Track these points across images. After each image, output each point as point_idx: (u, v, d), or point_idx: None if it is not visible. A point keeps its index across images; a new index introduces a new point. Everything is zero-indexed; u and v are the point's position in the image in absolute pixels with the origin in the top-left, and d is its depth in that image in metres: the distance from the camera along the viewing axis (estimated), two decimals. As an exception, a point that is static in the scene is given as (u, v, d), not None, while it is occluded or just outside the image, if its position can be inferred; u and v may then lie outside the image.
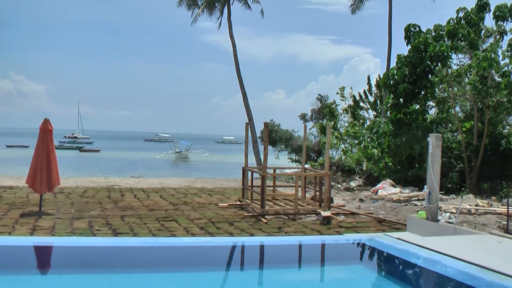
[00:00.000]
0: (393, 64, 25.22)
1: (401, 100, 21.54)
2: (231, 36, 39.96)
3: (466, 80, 20.61)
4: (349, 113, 34.06)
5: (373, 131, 22.81)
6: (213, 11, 41.59)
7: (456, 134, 22.63)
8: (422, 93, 21.40)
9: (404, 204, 17.22)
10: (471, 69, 19.95)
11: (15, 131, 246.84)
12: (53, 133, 15.32)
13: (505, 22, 20.65)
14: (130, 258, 10.10)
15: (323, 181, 16.75)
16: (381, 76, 24.29)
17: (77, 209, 15.41)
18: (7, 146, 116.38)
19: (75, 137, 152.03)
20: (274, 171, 19.33)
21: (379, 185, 20.06)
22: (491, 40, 21.86)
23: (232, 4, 40.56)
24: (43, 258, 10.16)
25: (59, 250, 10.29)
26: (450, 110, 22.54)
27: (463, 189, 20.03)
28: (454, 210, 14.39)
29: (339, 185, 22.96)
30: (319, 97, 43.15)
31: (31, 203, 16.15)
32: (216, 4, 41.17)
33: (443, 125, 22.87)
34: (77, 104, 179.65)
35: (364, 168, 26.04)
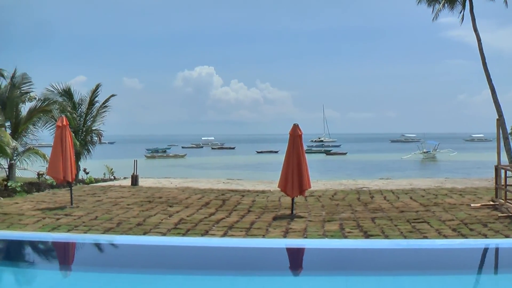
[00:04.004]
0: None
1: None
2: (475, 30, 38.14)
3: None
4: None
5: None
6: (454, 5, 40.10)
7: None
8: None
9: None
10: None
11: (263, 138, 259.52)
12: (302, 138, 15.69)
13: None
14: (382, 260, 9.96)
15: None
16: None
17: (327, 212, 15.64)
18: (258, 152, 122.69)
19: (322, 141, 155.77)
20: (530, 168, 18.06)
21: None
22: None
23: (474, -5, 38.74)
24: (296, 259, 10.37)
25: (312, 252, 10.43)
26: None
27: None
28: None
29: None
30: None
31: (283, 207, 16.71)
32: (457, -3, 39.65)
33: None
34: (322, 109, 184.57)
35: None
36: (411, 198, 18.40)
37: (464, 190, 20.45)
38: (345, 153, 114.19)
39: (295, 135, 15.49)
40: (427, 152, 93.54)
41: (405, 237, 12.04)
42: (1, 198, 19.13)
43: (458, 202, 17.36)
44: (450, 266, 9.17)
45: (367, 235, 12.33)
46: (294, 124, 15.67)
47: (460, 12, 39.98)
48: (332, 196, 19.19)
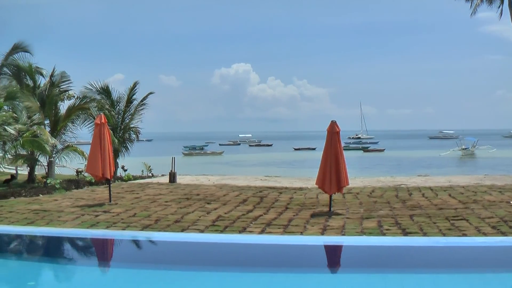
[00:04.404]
0: None
1: None
2: (514, 25, 37.53)
3: None
4: None
5: None
6: (492, 0, 39.55)
7: None
8: None
9: None
10: None
11: (300, 135, 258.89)
12: (340, 135, 15.57)
13: None
14: (421, 257, 9.89)
15: None
16: None
17: (365, 209, 15.52)
18: (295, 149, 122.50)
19: (359, 138, 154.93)
20: None
21: None
22: None
23: (512, -9, 38.11)
24: (335, 256, 10.35)
25: (350, 249, 10.40)
26: None
27: None
28: None
29: None
30: None
31: (320, 204, 16.62)
32: (495, -8, 39.07)
33: None
34: (359, 105, 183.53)
35: None
36: (449, 195, 18.15)
37: (504, 187, 20.10)
38: (382, 150, 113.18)
39: (333, 132, 15.38)
40: (465, 148, 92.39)
41: (444, 235, 11.88)
42: (41, 195, 19.40)
43: (497, 199, 17.07)
44: (490, 264, 9.06)
45: (405, 233, 12.20)
46: (332, 121, 15.56)
47: (499, 7, 39.44)
48: (370, 193, 19.03)
